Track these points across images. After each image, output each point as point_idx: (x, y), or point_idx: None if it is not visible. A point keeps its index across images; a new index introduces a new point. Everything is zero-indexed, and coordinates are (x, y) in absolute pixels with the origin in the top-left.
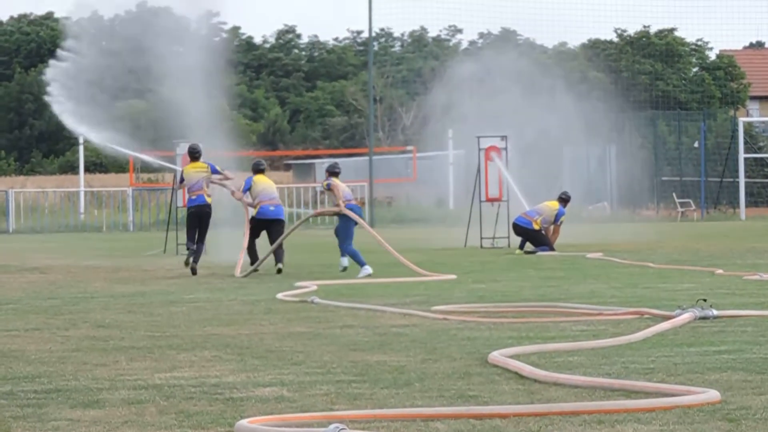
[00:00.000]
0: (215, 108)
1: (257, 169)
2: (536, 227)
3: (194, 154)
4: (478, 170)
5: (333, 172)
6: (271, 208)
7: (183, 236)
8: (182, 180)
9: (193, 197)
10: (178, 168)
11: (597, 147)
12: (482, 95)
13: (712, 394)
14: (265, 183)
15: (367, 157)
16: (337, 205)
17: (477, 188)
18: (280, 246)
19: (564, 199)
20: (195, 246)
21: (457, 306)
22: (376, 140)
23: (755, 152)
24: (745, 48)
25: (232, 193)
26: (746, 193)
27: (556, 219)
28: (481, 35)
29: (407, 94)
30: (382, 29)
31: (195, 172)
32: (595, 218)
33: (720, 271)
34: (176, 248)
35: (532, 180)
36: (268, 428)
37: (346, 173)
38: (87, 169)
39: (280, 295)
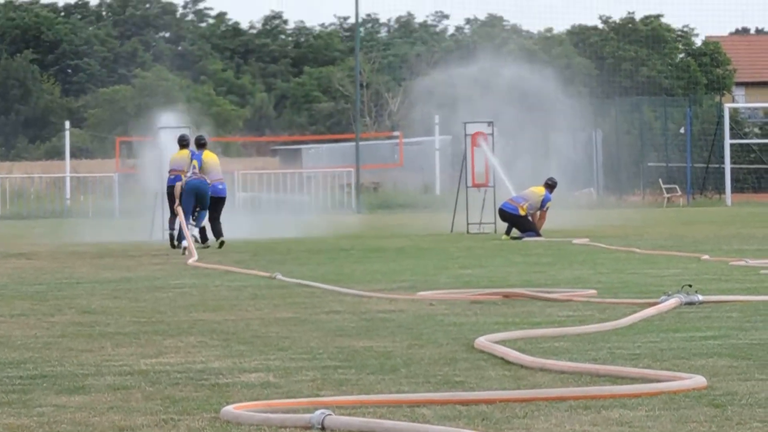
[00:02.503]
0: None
1: (202, 144)
2: (522, 213)
3: (183, 142)
4: (465, 156)
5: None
6: (220, 186)
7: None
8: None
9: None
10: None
11: (583, 133)
12: (468, 81)
13: (699, 380)
14: (213, 160)
15: (353, 143)
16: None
17: (463, 174)
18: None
19: (550, 185)
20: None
21: (442, 292)
22: (362, 126)
23: (741, 138)
24: (730, 34)
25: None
26: (732, 179)
27: (543, 205)
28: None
29: (394, 80)
30: (369, 15)
31: (180, 157)
32: (582, 204)
33: (706, 256)
34: (162, 234)
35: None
36: (254, 414)
37: (333, 159)
38: (73, 155)
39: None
